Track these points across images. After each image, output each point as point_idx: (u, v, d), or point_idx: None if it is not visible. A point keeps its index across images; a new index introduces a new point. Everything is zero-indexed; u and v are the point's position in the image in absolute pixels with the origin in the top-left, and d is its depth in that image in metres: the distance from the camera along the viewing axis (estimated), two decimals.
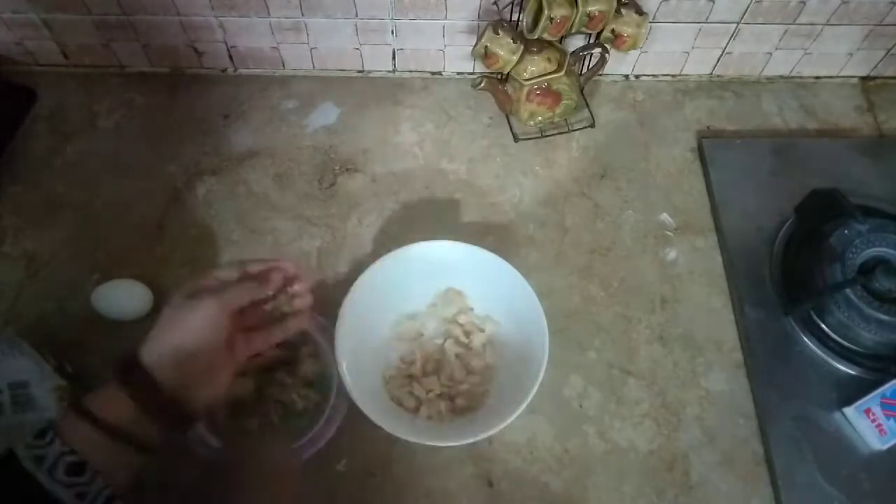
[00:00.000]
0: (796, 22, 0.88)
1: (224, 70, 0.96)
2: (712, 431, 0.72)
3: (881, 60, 0.95)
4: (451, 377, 0.71)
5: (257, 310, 0.59)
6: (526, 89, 0.84)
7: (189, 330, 0.50)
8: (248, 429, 0.66)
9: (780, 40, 0.91)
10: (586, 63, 0.90)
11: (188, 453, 0.62)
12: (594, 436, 0.72)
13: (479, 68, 0.92)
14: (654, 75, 0.98)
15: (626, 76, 0.98)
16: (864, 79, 0.99)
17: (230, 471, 0.56)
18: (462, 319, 0.74)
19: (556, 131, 0.92)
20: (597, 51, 0.85)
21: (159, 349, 0.50)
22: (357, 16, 0.86)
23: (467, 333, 0.74)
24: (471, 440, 0.64)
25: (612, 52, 0.85)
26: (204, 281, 0.54)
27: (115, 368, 0.49)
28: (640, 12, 0.81)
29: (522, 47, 0.81)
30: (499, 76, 0.87)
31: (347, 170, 0.88)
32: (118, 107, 0.93)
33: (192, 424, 0.51)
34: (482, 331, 0.74)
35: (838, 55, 0.94)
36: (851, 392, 0.72)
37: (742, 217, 0.84)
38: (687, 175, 0.89)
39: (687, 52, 0.93)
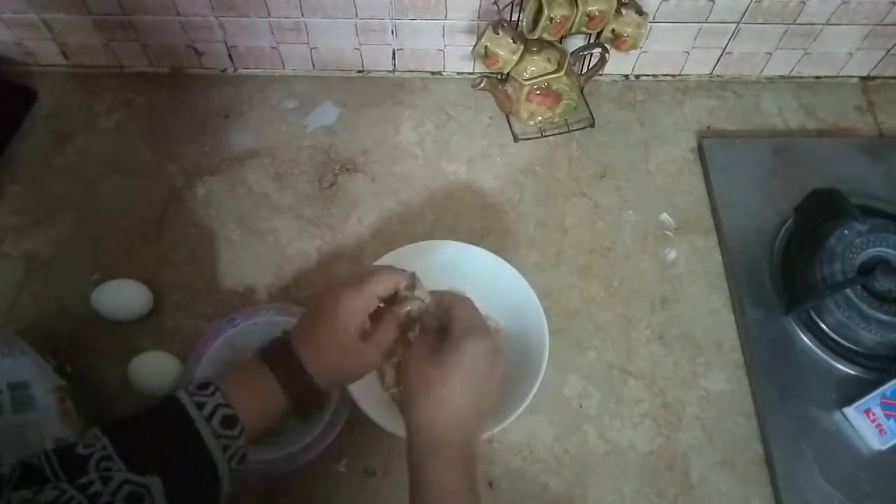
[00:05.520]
0: (796, 22, 0.88)
1: (224, 70, 0.96)
2: (712, 431, 0.72)
3: (881, 60, 0.95)
4: None
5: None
6: (526, 89, 0.84)
7: (354, 359, 0.55)
8: None
9: (780, 40, 0.91)
10: (586, 63, 0.90)
11: None
12: (594, 436, 0.72)
13: (479, 68, 0.92)
14: (654, 75, 0.98)
15: (626, 76, 0.98)
16: (864, 79, 0.99)
17: None
18: None
19: (556, 131, 0.92)
20: (597, 51, 0.85)
21: (317, 353, 0.53)
22: (357, 16, 0.86)
23: None
24: None
25: (612, 52, 0.85)
26: (367, 299, 0.55)
27: (262, 354, 0.53)
28: (640, 12, 0.81)
29: (522, 47, 0.81)
30: (499, 76, 0.87)
31: (347, 170, 0.88)
32: (118, 107, 0.93)
33: (321, 410, 0.56)
34: None
35: (838, 55, 0.94)
36: (851, 392, 0.72)
37: (742, 217, 0.84)
38: (687, 175, 0.89)
39: (687, 52, 0.93)
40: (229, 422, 0.48)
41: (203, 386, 0.49)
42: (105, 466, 0.44)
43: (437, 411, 0.52)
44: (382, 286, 0.56)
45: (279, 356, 0.53)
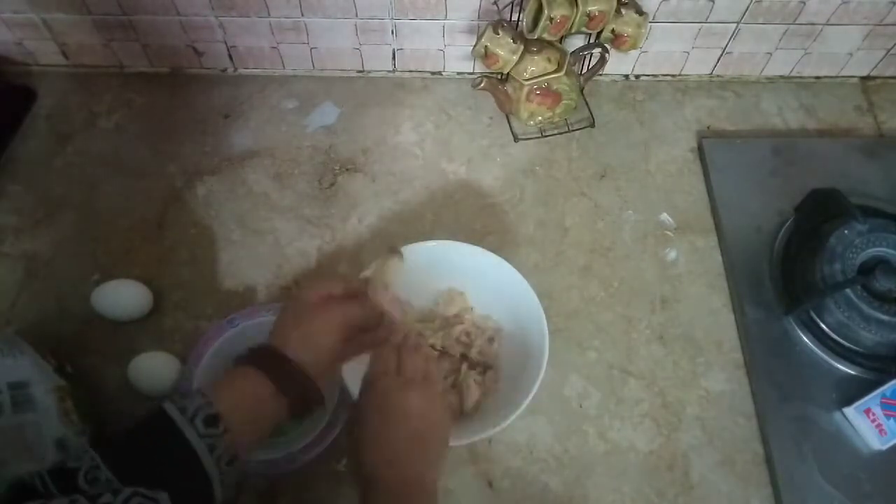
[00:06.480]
0: (796, 22, 0.88)
1: (224, 70, 0.96)
2: (712, 431, 0.72)
3: (881, 60, 0.95)
4: (451, 377, 0.71)
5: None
6: (526, 89, 0.84)
7: (321, 324, 0.56)
8: None
9: (780, 40, 0.91)
10: (586, 63, 0.90)
11: None
12: (594, 436, 0.72)
13: (479, 68, 0.92)
14: (654, 75, 0.98)
15: (626, 76, 0.98)
16: (864, 79, 0.99)
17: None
18: (463, 319, 0.74)
19: (556, 131, 0.92)
20: (597, 51, 0.85)
21: (298, 341, 0.55)
22: (357, 16, 0.86)
23: (468, 333, 0.74)
24: (471, 440, 0.64)
25: (612, 52, 0.85)
26: (317, 291, 0.59)
27: (246, 358, 0.54)
28: (640, 12, 0.81)
29: (522, 47, 0.81)
30: (499, 76, 0.87)
31: (347, 170, 0.88)
32: (118, 107, 0.93)
33: (317, 407, 0.56)
34: (482, 331, 0.74)
35: (838, 55, 0.94)
36: (851, 392, 0.72)
37: (742, 217, 0.84)
38: (687, 175, 0.89)
39: (687, 52, 0.93)
40: (212, 421, 0.48)
41: (185, 394, 0.50)
42: (93, 476, 0.44)
43: (368, 450, 0.53)
44: (356, 314, 0.59)
45: (263, 354, 0.54)
